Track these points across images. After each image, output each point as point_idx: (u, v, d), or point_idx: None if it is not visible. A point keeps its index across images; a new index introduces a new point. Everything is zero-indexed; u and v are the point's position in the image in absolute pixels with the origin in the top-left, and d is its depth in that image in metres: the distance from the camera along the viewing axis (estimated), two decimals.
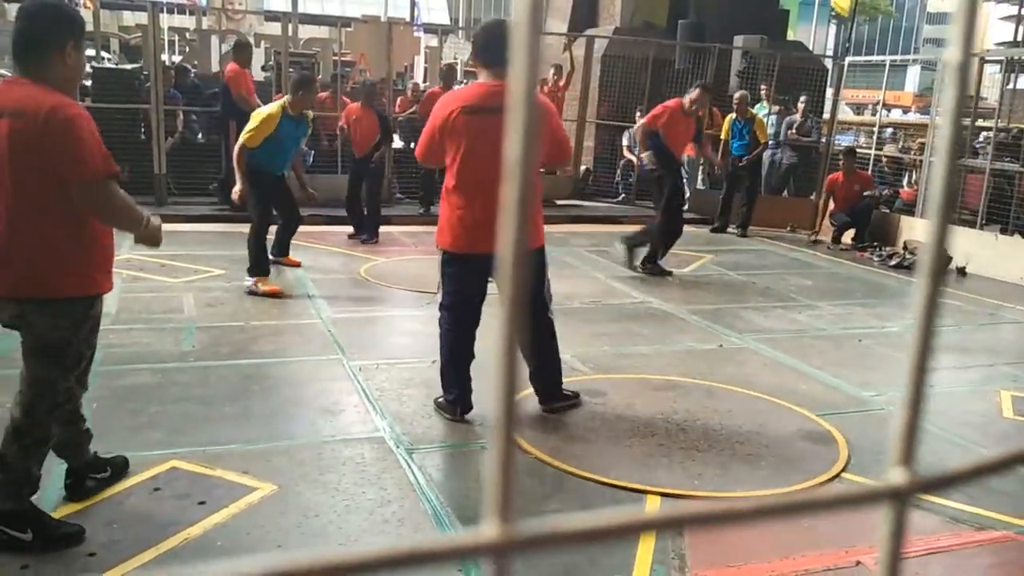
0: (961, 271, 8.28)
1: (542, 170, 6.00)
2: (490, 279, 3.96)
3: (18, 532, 2.76)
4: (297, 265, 7.05)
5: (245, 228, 7.81)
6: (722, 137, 10.08)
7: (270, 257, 6.44)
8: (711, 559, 2.93)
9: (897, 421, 0.19)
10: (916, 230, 9.09)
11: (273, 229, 6.67)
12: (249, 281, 6.15)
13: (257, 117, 6.02)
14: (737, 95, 9.88)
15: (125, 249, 7.30)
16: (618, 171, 11.90)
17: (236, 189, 6.01)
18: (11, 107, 2.65)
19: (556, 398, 4.16)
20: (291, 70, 10.06)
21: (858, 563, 2.91)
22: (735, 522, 0.28)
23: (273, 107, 6.14)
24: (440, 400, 4.10)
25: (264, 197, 6.16)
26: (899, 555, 0.30)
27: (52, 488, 3.14)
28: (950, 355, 5.56)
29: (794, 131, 11.00)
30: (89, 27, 13.77)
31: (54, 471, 3.26)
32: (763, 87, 11.19)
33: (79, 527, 2.87)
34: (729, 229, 10.17)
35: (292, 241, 7.11)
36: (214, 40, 11.88)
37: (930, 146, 10.05)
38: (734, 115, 9.81)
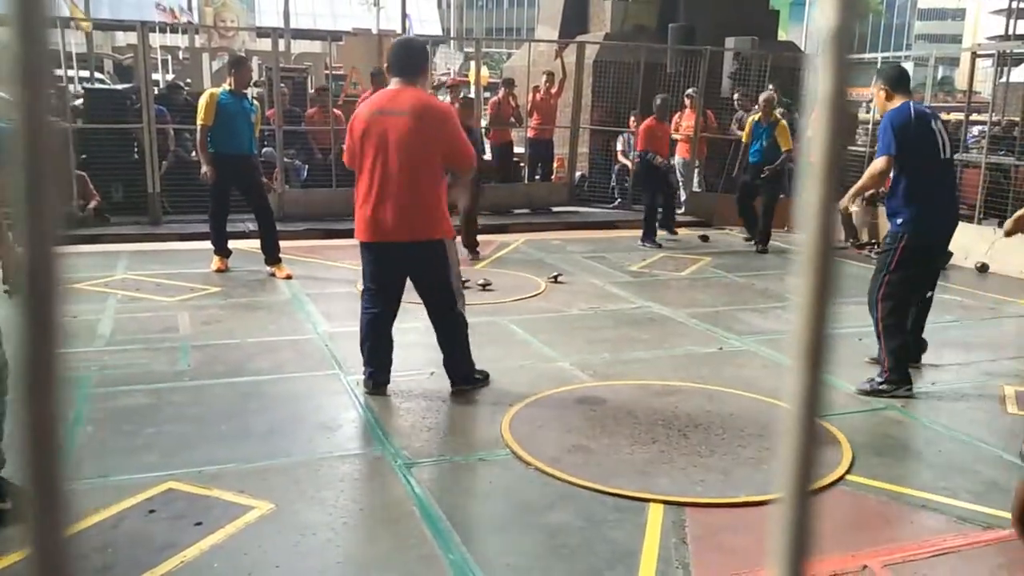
0: (982, 268, 8.20)
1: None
2: (405, 266, 4.26)
3: None
4: (288, 278, 7.10)
5: (239, 245, 7.81)
6: (744, 140, 9.56)
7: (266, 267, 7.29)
8: (715, 568, 2.89)
9: (780, 507, 0.14)
10: None
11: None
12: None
13: (202, 98, 7.05)
14: (763, 96, 9.16)
15: (120, 269, 7.29)
16: (613, 176, 11.87)
17: (203, 171, 7.01)
18: None
19: (467, 382, 4.48)
20: (282, 85, 10.06)
21: (864, 567, 2.87)
22: None
23: (214, 88, 7.35)
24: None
25: (219, 182, 7.02)
26: None
27: None
28: (952, 351, 5.52)
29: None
30: (82, 48, 13.77)
31: None
32: (772, 88, 10.97)
33: None
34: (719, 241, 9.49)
35: (288, 255, 7.08)
36: (206, 58, 11.90)
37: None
38: (758, 116, 9.13)
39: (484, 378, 4.58)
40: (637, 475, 3.54)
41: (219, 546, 2.92)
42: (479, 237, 8.43)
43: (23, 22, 0.24)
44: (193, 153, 10.39)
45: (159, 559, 2.82)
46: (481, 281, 6.91)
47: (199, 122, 6.95)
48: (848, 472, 3.63)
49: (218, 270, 7.26)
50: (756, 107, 9.64)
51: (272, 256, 7.25)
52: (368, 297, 4.38)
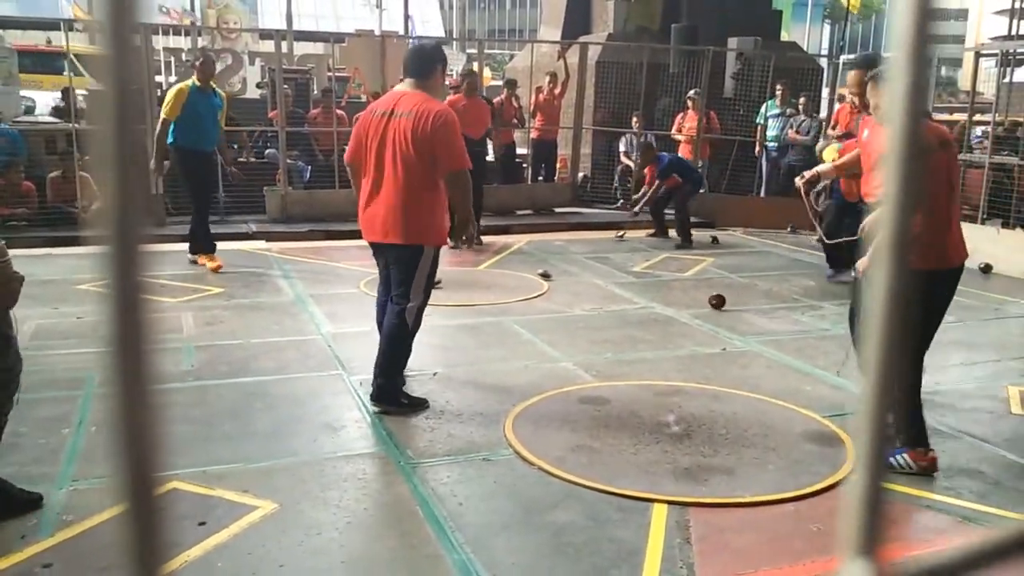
0: (986, 269, 8.14)
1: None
2: (388, 261, 4.24)
3: None
4: (216, 269, 7.29)
5: (242, 245, 7.83)
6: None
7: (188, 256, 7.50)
8: (720, 568, 2.88)
9: (851, 489, 0.14)
10: None
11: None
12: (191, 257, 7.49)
13: (170, 92, 7.04)
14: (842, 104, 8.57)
15: None
16: (616, 177, 11.87)
17: (152, 165, 6.92)
18: None
19: (391, 404, 4.21)
20: (286, 87, 10.07)
21: None
22: None
23: (183, 83, 7.19)
24: None
25: (200, 179, 7.16)
26: None
27: (50, 511, 3.11)
28: (956, 351, 5.51)
29: (795, 130, 10.85)
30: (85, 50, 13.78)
31: (53, 494, 3.23)
32: (779, 86, 10.98)
33: (38, 494, 3.17)
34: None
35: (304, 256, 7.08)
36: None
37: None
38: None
39: (414, 405, 4.25)
40: (641, 475, 3.54)
41: (223, 546, 2.92)
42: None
43: (113, 28, 0.25)
44: None
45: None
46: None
47: (163, 115, 6.90)
48: (852, 472, 3.62)
49: (216, 268, 7.30)
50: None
51: (200, 246, 7.42)
52: (379, 287, 4.47)
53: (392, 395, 4.22)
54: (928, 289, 3.43)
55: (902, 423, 3.56)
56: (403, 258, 4.14)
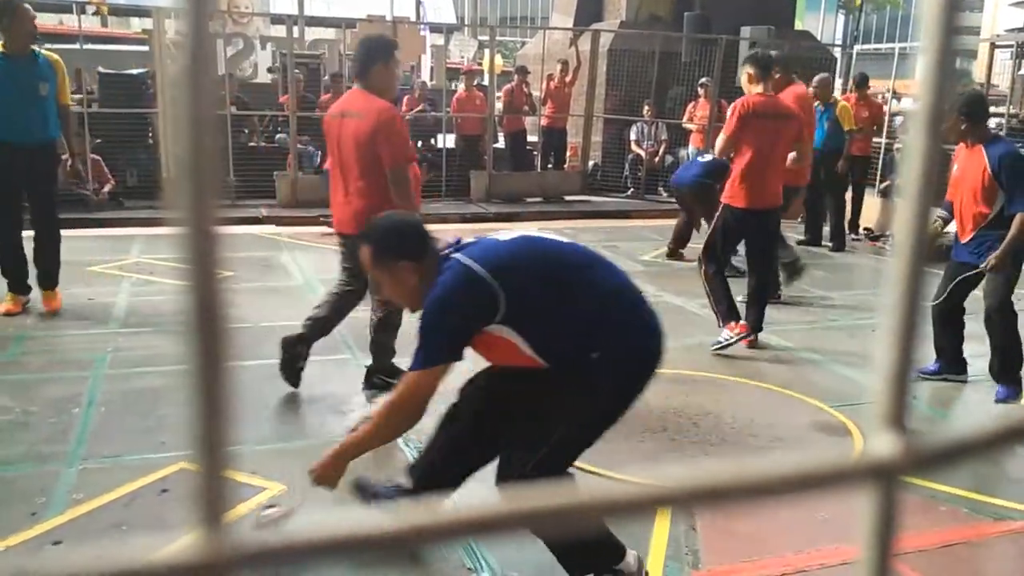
0: None
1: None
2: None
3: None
4: (54, 311, 5.38)
5: (252, 230, 7.82)
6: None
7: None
8: (725, 554, 2.89)
9: (882, 365, 0.15)
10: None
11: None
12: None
13: None
14: (818, 77, 8.68)
15: (135, 253, 7.33)
16: (626, 165, 11.85)
17: None
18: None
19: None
20: (297, 71, 10.07)
21: None
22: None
23: None
24: None
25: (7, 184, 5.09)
26: (888, 555, 0.24)
27: (60, 490, 3.14)
28: (966, 343, 5.48)
29: None
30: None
31: (62, 473, 3.26)
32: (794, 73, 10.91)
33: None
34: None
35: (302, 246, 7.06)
36: (220, 44, 11.91)
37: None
38: (815, 101, 8.47)
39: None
40: (647, 463, 3.55)
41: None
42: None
43: (193, 16, 0.26)
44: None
45: (171, 538, 2.84)
46: None
47: None
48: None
49: (8, 312, 5.24)
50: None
51: (47, 279, 5.44)
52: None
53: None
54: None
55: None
56: None
